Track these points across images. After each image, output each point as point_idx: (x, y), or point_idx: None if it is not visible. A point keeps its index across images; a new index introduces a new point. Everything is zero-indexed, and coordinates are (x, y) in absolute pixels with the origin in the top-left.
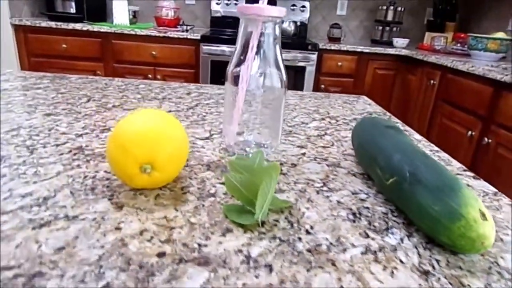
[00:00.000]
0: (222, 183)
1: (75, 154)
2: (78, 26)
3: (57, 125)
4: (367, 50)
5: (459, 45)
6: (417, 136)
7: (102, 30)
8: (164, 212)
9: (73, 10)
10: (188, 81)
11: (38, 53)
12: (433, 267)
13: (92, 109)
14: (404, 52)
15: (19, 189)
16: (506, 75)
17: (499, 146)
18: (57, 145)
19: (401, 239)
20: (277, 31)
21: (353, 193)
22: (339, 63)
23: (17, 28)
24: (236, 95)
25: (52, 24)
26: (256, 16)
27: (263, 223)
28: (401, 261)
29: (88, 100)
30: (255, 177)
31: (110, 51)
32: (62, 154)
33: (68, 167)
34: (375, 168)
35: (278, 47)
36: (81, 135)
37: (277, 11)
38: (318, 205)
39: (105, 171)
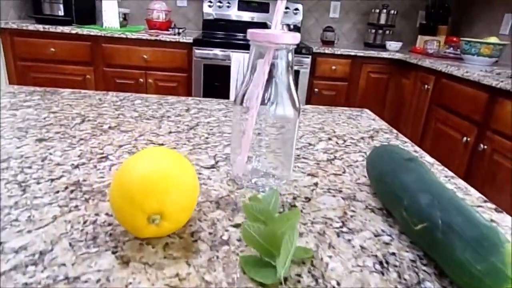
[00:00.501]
0: (235, 226)
1: (72, 191)
2: (66, 29)
3: (50, 154)
4: (361, 54)
5: (451, 49)
6: (428, 158)
7: (91, 33)
8: (176, 268)
9: (61, 13)
10: (181, 86)
11: (25, 57)
12: None
13: (87, 132)
14: (398, 55)
15: (11, 241)
16: (502, 81)
17: (494, 153)
18: (52, 180)
19: None
20: (290, 58)
21: (375, 235)
22: (333, 67)
23: (2, 31)
24: (244, 122)
25: (40, 27)
26: (268, 43)
27: (285, 280)
28: None
29: (83, 121)
30: (274, 226)
31: (100, 55)
32: (57, 192)
33: (65, 209)
34: (399, 208)
35: (291, 75)
36: (77, 166)
37: (291, 38)
38: (341, 253)
39: (106, 214)
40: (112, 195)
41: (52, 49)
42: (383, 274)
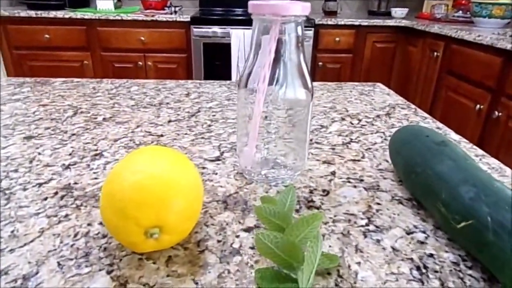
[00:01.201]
0: (246, 230)
1: (62, 197)
2: (59, 14)
3: (39, 153)
4: (365, 23)
5: (461, 12)
6: (454, 135)
7: (85, 17)
8: None
9: None
10: (181, 67)
11: (20, 45)
12: None
13: (79, 126)
14: (404, 23)
15: None
16: None
17: (510, 120)
18: (40, 185)
19: None
20: (300, 32)
21: (407, 233)
22: (337, 39)
23: None
24: (250, 107)
25: (32, 13)
26: (273, 16)
27: None
28: None
29: (75, 113)
30: (292, 232)
31: (96, 39)
32: (46, 198)
33: (54, 219)
34: (435, 203)
35: (301, 51)
36: (68, 167)
37: (301, 8)
38: (370, 258)
39: (100, 223)
40: (102, 208)
41: (47, 36)
42: (422, 282)
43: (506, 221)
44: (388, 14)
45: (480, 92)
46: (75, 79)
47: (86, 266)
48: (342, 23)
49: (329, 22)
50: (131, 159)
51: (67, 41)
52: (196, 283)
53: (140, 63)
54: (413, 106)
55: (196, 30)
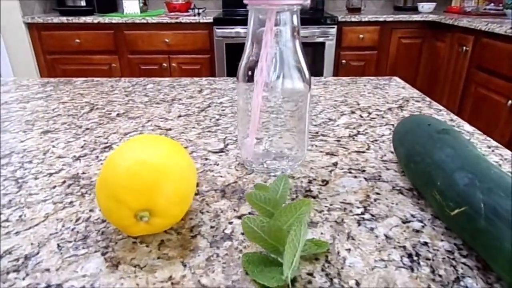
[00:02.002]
0: (240, 217)
1: (69, 185)
2: (89, 19)
3: (53, 146)
4: (390, 19)
5: (492, 4)
6: (467, 127)
7: (113, 21)
8: (169, 270)
9: (83, 3)
10: (204, 67)
11: (53, 50)
12: None
13: (94, 121)
14: (431, 17)
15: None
16: None
17: None
18: (50, 174)
19: None
20: (295, 21)
21: (403, 222)
22: (361, 36)
23: (30, 26)
24: (250, 98)
25: (64, 19)
26: (267, 5)
27: (294, 280)
28: None
29: (91, 109)
30: (280, 218)
31: (123, 43)
32: (54, 187)
33: (59, 206)
34: (431, 190)
35: (297, 41)
36: (78, 158)
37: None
38: (361, 245)
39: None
40: (97, 192)
41: (77, 40)
42: (412, 269)
43: (500, 207)
44: (414, 9)
45: (511, 87)
46: (95, 78)
47: (83, 248)
48: (366, 19)
49: (353, 19)
50: (124, 147)
51: (96, 45)
52: (185, 265)
53: (165, 64)
54: (428, 99)
55: (219, 31)
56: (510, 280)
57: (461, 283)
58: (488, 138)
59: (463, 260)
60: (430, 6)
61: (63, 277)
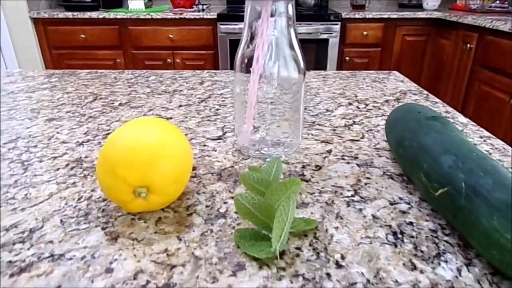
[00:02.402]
0: (233, 198)
1: (72, 168)
2: (94, 14)
3: (58, 132)
4: (394, 16)
5: (498, 2)
6: (462, 119)
7: (118, 16)
8: (165, 243)
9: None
10: (208, 63)
11: (59, 45)
12: None
13: (97, 110)
14: (436, 14)
15: (4, 219)
16: None
17: None
18: (55, 158)
19: (459, 270)
20: (291, 11)
21: (391, 203)
22: (365, 32)
23: (36, 22)
24: (246, 88)
25: (69, 14)
26: None
27: (282, 253)
28: None
29: (94, 99)
30: (271, 196)
31: (128, 38)
32: (58, 169)
33: (62, 186)
34: (418, 173)
35: (293, 30)
36: (81, 143)
37: None
38: (349, 223)
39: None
40: (97, 169)
41: (82, 36)
42: (396, 246)
43: (479, 186)
44: (419, 7)
45: None
46: (99, 70)
47: (85, 223)
48: (370, 16)
49: (357, 16)
50: (124, 127)
51: (101, 40)
52: (180, 239)
53: (169, 60)
54: (425, 92)
55: (223, 27)
56: (488, 256)
57: (442, 258)
58: (482, 129)
59: (445, 238)
60: (435, 3)
61: (65, 248)
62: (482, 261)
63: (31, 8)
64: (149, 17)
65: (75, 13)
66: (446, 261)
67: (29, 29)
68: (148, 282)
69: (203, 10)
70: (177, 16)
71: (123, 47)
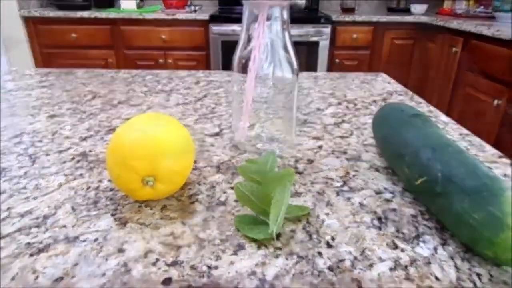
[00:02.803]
0: (232, 188)
1: (78, 161)
2: (86, 14)
3: (61, 128)
4: (383, 20)
5: (482, 7)
6: (443, 118)
7: (110, 16)
8: (171, 228)
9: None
10: (200, 64)
11: (49, 44)
12: (474, 284)
13: (97, 107)
14: (423, 19)
15: (18, 206)
16: None
17: None
18: (60, 152)
19: (435, 249)
20: (286, 16)
21: (377, 193)
22: (354, 35)
23: (26, 20)
24: (243, 87)
25: (60, 13)
26: (261, 1)
27: (278, 235)
28: (436, 277)
29: (94, 97)
30: (268, 185)
31: (120, 38)
32: (65, 162)
33: (70, 177)
34: (401, 165)
35: (287, 33)
36: (85, 139)
37: None
38: (338, 210)
39: (109, 180)
40: (107, 160)
41: (74, 35)
42: (380, 229)
43: (453, 175)
44: (407, 11)
45: (498, 88)
46: (96, 70)
47: (94, 210)
48: (360, 19)
49: (346, 19)
50: (132, 122)
51: (92, 40)
52: (184, 224)
53: (161, 60)
54: (410, 92)
55: (215, 28)
56: (464, 239)
57: (420, 239)
58: (461, 127)
59: (424, 222)
60: (422, 7)
61: (78, 232)
62: (455, 241)
63: (21, 6)
64: (141, 17)
65: (67, 12)
66: (424, 242)
67: (20, 27)
68: (157, 260)
69: (195, 11)
70: (169, 17)
71: (115, 47)
